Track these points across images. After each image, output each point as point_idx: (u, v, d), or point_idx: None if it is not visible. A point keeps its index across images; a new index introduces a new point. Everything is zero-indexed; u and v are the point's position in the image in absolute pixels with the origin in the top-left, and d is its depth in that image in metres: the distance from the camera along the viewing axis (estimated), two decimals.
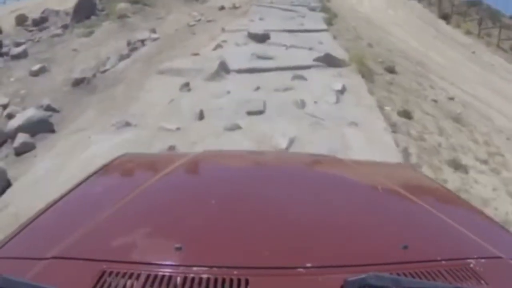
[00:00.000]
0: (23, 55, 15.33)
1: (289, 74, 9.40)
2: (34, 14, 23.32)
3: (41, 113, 8.73)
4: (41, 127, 8.24)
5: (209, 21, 19.90)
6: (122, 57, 13.77)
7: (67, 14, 23.17)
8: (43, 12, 24.44)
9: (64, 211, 1.57)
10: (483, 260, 1.24)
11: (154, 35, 16.64)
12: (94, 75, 12.05)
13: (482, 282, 1.14)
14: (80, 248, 1.20)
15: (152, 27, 18.68)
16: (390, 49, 16.38)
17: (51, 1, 28.59)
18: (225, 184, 1.79)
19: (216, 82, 8.94)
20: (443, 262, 1.20)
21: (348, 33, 16.80)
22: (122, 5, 24.04)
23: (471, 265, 1.20)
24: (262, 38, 13.40)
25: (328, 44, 13.44)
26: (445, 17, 30.29)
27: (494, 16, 32.74)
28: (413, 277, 1.10)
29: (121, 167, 2.18)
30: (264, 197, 1.62)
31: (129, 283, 1.04)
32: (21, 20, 22.06)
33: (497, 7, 36.27)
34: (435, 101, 10.24)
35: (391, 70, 11.55)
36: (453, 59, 19.70)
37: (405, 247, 1.22)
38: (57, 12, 24.47)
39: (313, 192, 1.73)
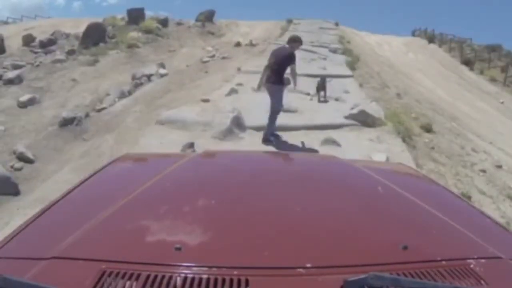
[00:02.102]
0: (17, 80, 13.96)
1: (317, 135, 7.88)
2: (45, 35, 22.39)
3: (5, 169, 6.96)
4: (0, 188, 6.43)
5: (224, 58, 18.67)
6: (123, 95, 12.37)
7: (77, 38, 22.35)
8: (52, 34, 23.65)
9: (64, 211, 1.56)
10: (483, 260, 1.22)
11: (162, 71, 15.26)
12: (87, 115, 10.59)
13: (482, 282, 1.12)
14: (80, 248, 1.19)
15: (162, 61, 17.55)
16: (419, 99, 15.00)
17: (68, 22, 28.17)
18: (224, 184, 1.81)
19: (228, 143, 7.35)
20: (443, 262, 1.19)
21: (373, 80, 15.44)
22: (133, 34, 23.12)
23: (471, 265, 1.19)
24: None
25: (355, 94, 12.02)
26: (468, 63, 29.20)
27: None
28: (413, 277, 1.09)
29: (121, 167, 2.20)
30: (264, 197, 1.64)
31: (129, 283, 1.03)
32: (28, 41, 21.15)
33: None
34: (483, 171, 8.76)
35: (428, 129, 10.17)
36: (483, 111, 18.39)
37: (405, 247, 1.21)
38: (67, 35, 23.71)
39: (313, 192, 1.72)
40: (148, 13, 28.72)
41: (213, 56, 19.17)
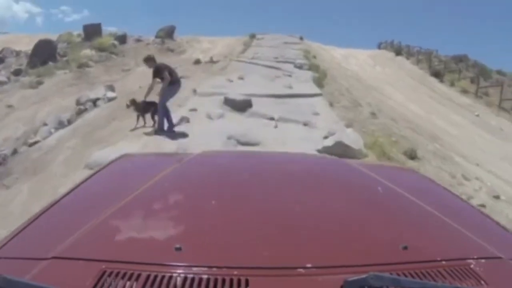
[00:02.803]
0: None
1: None
2: None
3: None
4: None
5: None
6: (61, 124, 10.70)
7: (28, 56, 20.79)
8: (0, 52, 22.16)
9: (64, 211, 1.56)
10: (483, 260, 1.22)
11: (110, 94, 13.45)
12: (14, 151, 8.93)
13: (482, 282, 1.11)
14: (80, 248, 1.19)
15: (114, 82, 15.96)
16: (394, 118, 13.82)
17: (24, 38, 26.61)
18: (224, 184, 1.80)
19: None
20: (443, 262, 1.18)
21: (344, 98, 14.21)
22: (87, 52, 21.47)
23: (471, 265, 1.18)
24: (242, 106, 10.52)
25: (326, 116, 10.70)
26: (437, 75, 28.48)
27: (484, 72, 31.15)
28: (413, 277, 1.09)
29: (121, 167, 2.19)
30: (264, 198, 1.62)
31: (129, 283, 1.02)
32: None
33: (482, 61, 35.27)
34: (482, 206, 7.53)
35: (412, 156, 8.98)
36: (460, 125, 17.41)
37: (405, 247, 1.21)
38: (17, 53, 22.24)
39: (313, 192, 1.71)
40: (111, 29, 27.30)
41: None
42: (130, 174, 2.14)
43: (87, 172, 6.55)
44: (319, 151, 7.10)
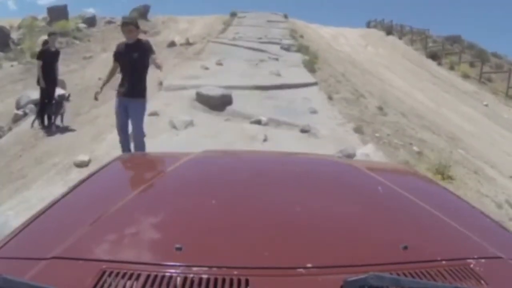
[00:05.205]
0: None
1: None
2: None
3: None
4: None
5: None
6: None
7: None
8: None
9: (64, 211, 1.53)
10: (483, 260, 1.20)
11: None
12: None
13: (482, 282, 1.09)
14: (80, 248, 1.17)
15: (71, 72, 13.54)
16: (404, 113, 11.58)
17: None
18: (225, 184, 1.78)
19: None
20: (443, 262, 1.16)
21: (342, 87, 11.99)
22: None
23: (471, 265, 1.16)
24: (219, 103, 8.23)
25: (327, 115, 8.56)
26: (434, 57, 26.35)
27: (482, 55, 28.98)
28: (413, 277, 1.06)
29: (120, 167, 2.18)
30: (264, 197, 1.59)
31: (129, 283, 0.99)
32: None
33: (476, 42, 32.86)
34: None
35: (444, 176, 6.74)
36: (474, 119, 15.28)
37: (405, 247, 1.18)
38: None
39: (313, 192, 1.68)
40: (90, 11, 24.71)
41: None
42: (129, 173, 2.12)
43: None
44: None
